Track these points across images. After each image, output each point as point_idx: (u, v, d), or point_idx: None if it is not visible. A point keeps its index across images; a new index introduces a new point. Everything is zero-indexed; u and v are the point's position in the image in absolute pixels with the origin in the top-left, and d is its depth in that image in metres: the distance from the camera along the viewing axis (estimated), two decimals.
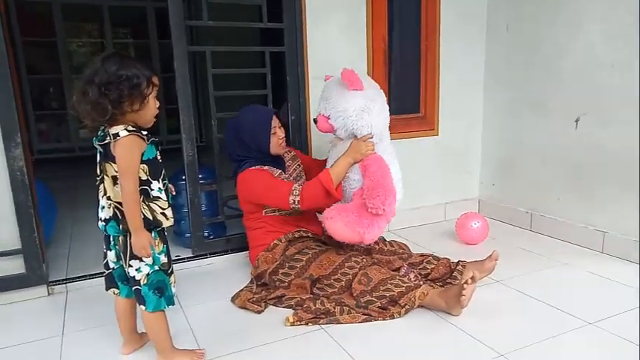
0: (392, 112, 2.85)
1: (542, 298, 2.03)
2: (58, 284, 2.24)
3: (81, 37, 5.99)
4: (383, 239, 2.35)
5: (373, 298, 1.88)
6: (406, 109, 2.99)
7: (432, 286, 2.02)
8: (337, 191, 1.98)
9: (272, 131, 2.13)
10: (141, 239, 1.44)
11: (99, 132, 1.48)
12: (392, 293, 1.87)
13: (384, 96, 2.10)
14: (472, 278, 1.81)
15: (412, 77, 3.01)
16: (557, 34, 2.65)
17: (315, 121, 2.10)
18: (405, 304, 1.86)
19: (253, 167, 2.11)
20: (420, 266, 2.17)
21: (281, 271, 2.05)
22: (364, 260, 2.01)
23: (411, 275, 2.08)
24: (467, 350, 1.67)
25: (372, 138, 2.01)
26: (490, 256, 2.14)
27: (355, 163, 2.01)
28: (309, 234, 2.21)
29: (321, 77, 2.65)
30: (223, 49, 2.57)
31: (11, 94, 1.99)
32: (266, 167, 2.13)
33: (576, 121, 2.61)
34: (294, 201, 1.98)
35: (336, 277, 1.97)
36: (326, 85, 2.12)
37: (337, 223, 1.95)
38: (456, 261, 2.19)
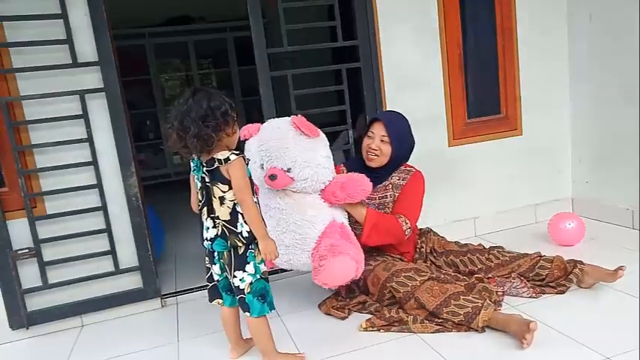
0: (471, 115, 2.90)
1: None
2: (170, 297, 2.49)
3: (169, 72, 6.54)
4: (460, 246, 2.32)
5: (446, 315, 1.83)
6: (485, 111, 2.96)
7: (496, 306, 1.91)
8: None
9: None
10: (269, 244, 1.62)
11: (193, 162, 1.64)
12: (460, 319, 1.81)
13: None
14: (530, 329, 1.65)
15: (490, 78, 2.96)
16: None
17: (274, 177, 1.82)
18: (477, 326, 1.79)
19: None
20: (533, 273, 2.11)
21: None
22: (431, 271, 2.06)
23: (518, 283, 2.08)
24: (570, 356, 1.62)
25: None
26: (615, 272, 2.00)
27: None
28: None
29: (397, 88, 2.71)
30: (303, 71, 2.66)
31: (126, 131, 2.28)
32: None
33: None
34: None
35: (399, 279, 1.95)
36: (269, 137, 1.88)
37: (349, 260, 1.82)
38: (573, 262, 2.10)
